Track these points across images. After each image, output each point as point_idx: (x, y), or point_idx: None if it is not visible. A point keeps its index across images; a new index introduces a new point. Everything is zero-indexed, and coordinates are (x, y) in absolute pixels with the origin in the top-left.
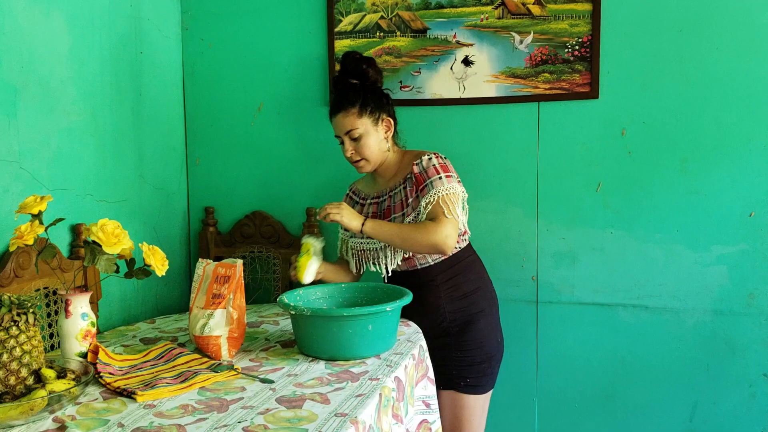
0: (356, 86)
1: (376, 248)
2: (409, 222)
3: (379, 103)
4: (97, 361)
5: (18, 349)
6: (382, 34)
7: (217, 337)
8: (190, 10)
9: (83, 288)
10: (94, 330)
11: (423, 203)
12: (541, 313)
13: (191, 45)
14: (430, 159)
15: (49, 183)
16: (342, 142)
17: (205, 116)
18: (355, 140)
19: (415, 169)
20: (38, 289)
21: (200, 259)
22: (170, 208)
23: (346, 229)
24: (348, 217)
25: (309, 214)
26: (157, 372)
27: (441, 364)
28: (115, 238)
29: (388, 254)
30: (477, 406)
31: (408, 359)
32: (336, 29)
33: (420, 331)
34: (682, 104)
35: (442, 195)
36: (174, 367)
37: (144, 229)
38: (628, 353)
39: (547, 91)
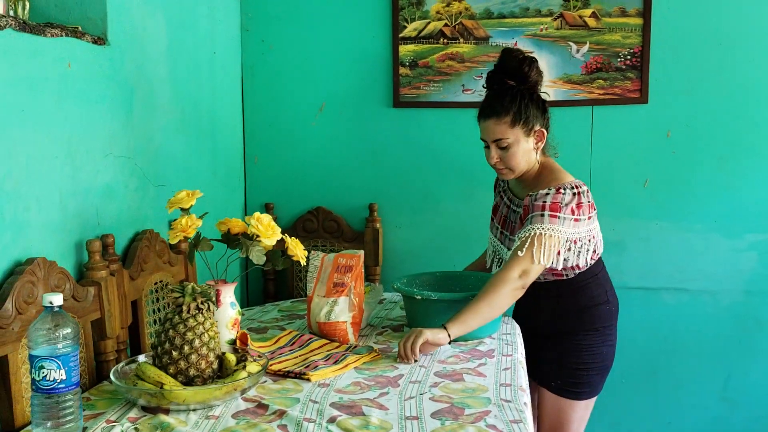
0: (513, 90)
1: (500, 251)
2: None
3: (535, 113)
4: (247, 347)
5: (206, 335)
6: (445, 40)
7: (343, 323)
8: (249, 12)
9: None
10: (240, 318)
11: (517, 237)
12: None
13: (251, 46)
14: (547, 194)
15: (154, 179)
16: (487, 146)
17: (264, 116)
18: (503, 149)
19: (527, 200)
20: (156, 283)
21: (313, 252)
22: (233, 203)
23: (490, 229)
24: (431, 342)
25: (371, 209)
26: (304, 356)
27: (533, 360)
28: (271, 229)
29: (500, 258)
30: (569, 411)
31: (518, 338)
32: (400, 35)
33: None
34: (721, 109)
35: (536, 233)
36: (312, 351)
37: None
38: (669, 332)
39: (601, 96)
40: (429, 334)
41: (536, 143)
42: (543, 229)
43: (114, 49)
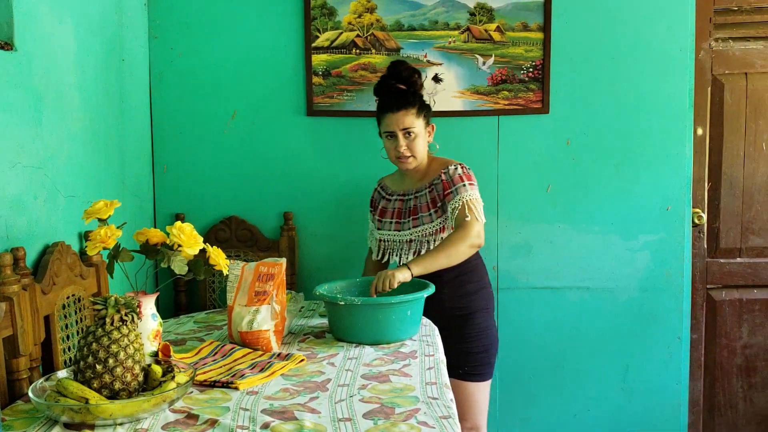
0: (409, 91)
1: (401, 240)
2: (438, 222)
3: (428, 110)
4: (170, 359)
5: (130, 347)
6: (357, 51)
7: (265, 331)
8: (158, 19)
9: (143, 291)
10: (161, 330)
11: (450, 208)
12: (501, 298)
13: (160, 53)
14: (456, 168)
15: (65, 190)
16: (394, 137)
17: (173, 124)
18: (409, 137)
19: (443, 177)
20: (68, 297)
21: (233, 261)
22: (142, 214)
23: (372, 220)
24: (398, 277)
25: (287, 218)
26: (228, 365)
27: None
28: (193, 239)
29: (404, 248)
30: (476, 393)
31: (438, 339)
32: (313, 44)
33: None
34: (615, 118)
35: (467, 200)
36: (236, 360)
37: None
38: (573, 328)
39: (506, 107)
40: (398, 274)
41: (429, 136)
42: (470, 195)
43: (21, 55)
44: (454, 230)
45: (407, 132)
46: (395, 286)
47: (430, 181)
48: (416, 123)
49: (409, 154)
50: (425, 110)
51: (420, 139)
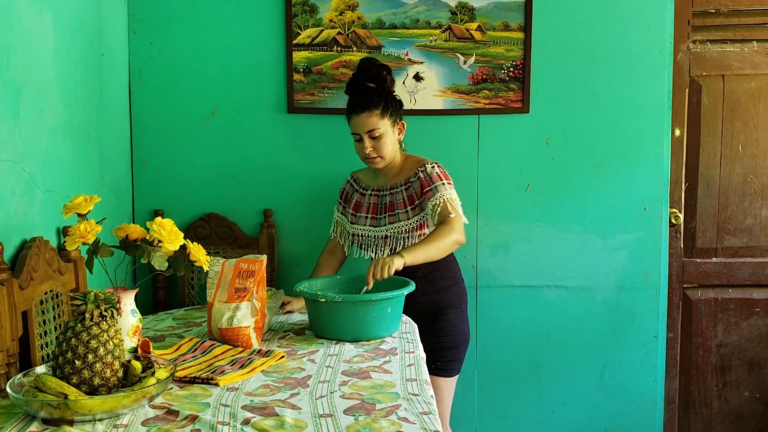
0: (377, 90)
1: (377, 236)
2: (415, 219)
3: (396, 108)
4: (149, 355)
5: (110, 343)
6: (339, 48)
7: (246, 328)
8: (137, 14)
9: (123, 287)
10: (141, 325)
11: (430, 205)
12: (480, 296)
13: (140, 48)
14: (433, 167)
15: (43, 185)
16: (360, 140)
17: (153, 119)
18: (374, 139)
19: (421, 174)
20: (46, 292)
21: (213, 258)
22: (120, 210)
23: (342, 213)
24: (395, 264)
25: (266, 215)
26: (208, 361)
27: None
28: (173, 235)
29: (380, 244)
30: (444, 388)
31: (417, 336)
32: (294, 41)
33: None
34: (595, 119)
35: (447, 198)
36: (216, 357)
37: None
38: (551, 326)
39: (486, 106)
40: (396, 260)
41: (399, 134)
42: (450, 194)
43: (0, 48)
44: (440, 225)
45: (372, 133)
46: (392, 273)
47: (406, 179)
48: (380, 124)
49: (375, 155)
50: (392, 108)
51: (386, 139)
